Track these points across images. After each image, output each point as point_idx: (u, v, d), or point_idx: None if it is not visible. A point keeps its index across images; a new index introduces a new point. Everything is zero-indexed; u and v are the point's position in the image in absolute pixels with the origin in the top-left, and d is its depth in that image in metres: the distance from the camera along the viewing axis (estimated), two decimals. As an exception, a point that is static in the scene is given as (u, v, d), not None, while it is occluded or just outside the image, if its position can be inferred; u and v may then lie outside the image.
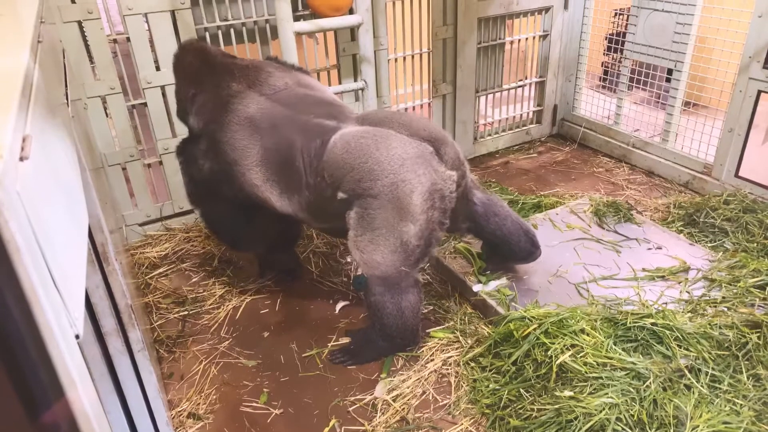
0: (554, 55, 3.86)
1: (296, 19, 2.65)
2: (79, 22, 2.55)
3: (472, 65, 3.55)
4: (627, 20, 3.63)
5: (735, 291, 2.21)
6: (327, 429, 1.91)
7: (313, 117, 2.06)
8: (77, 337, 0.78)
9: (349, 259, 2.77)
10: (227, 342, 2.32)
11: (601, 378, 1.77)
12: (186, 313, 2.47)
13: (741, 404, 1.73)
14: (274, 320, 2.43)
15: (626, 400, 1.70)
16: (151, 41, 2.73)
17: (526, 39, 3.78)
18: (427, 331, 2.26)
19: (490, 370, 1.99)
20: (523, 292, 2.33)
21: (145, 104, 2.82)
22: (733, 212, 2.71)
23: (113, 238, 1.61)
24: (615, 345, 1.88)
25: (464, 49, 3.47)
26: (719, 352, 1.88)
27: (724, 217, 2.69)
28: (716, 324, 1.98)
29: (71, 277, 0.86)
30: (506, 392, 1.86)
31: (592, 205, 2.91)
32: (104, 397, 1.47)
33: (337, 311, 2.46)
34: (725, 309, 2.12)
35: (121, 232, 2.81)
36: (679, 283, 2.33)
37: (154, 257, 2.83)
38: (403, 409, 1.94)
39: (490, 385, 1.93)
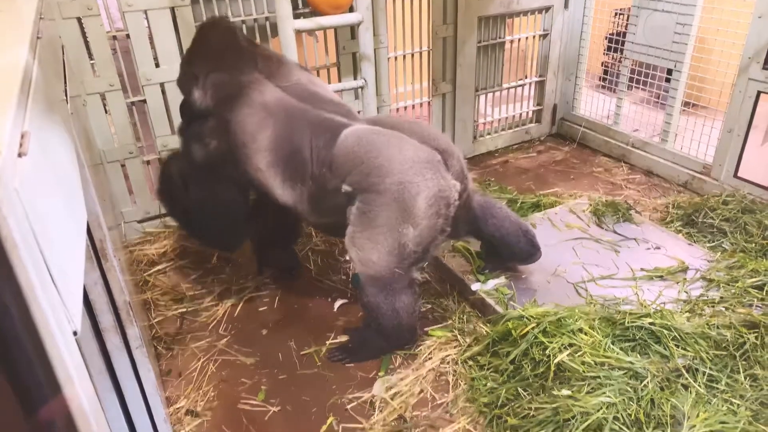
0: (554, 55, 3.86)
1: (296, 16, 2.65)
2: (79, 19, 2.55)
3: (472, 64, 3.55)
4: (627, 20, 3.63)
5: (733, 291, 2.21)
6: (325, 427, 1.91)
7: (325, 112, 2.08)
8: (75, 333, 0.78)
9: (347, 258, 2.78)
10: (225, 339, 2.32)
11: (598, 377, 1.77)
12: (184, 310, 2.47)
13: (738, 404, 1.73)
14: (272, 318, 2.43)
15: (623, 400, 1.70)
16: (151, 38, 2.73)
17: (527, 38, 3.78)
18: (426, 329, 2.26)
19: (488, 369, 1.99)
20: (521, 291, 2.33)
21: (144, 101, 2.82)
22: (731, 212, 2.71)
23: (112, 234, 1.61)
24: (613, 344, 1.88)
25: (464, 47, 3.46)
26: (717, 352, 1.88)
27: (723, 217, 2.70)
28: (714, 324, 1.98)
29: (69, 274, 0.86)
30: (504, 391, 1.86)
31: (591, 205, 2.91)
32: (102, 394, 1.47)
33: (335, 309, 2.46)
34: (723, 309, 2.13)
35: (120, 229, 2.80)
36: (678, 283, 2.33)
37: (153, 254, 2.83)
38: (401, 407, 1.94)
39: (488, 384, 1.94)
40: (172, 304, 2.51)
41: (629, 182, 3.40)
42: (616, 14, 4.20)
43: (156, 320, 2.41)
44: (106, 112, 2.76)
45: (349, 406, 1.98)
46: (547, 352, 1.85)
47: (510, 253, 2.36)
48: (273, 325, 2.39)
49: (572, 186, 3.38)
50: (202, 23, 2.30)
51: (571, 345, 1.86)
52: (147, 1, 2.62)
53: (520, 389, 1.85)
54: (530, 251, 2.35)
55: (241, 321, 2.42)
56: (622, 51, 3.57)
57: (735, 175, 3.00)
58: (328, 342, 2.27)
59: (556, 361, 1.81)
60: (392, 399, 1.98)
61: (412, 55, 3.48)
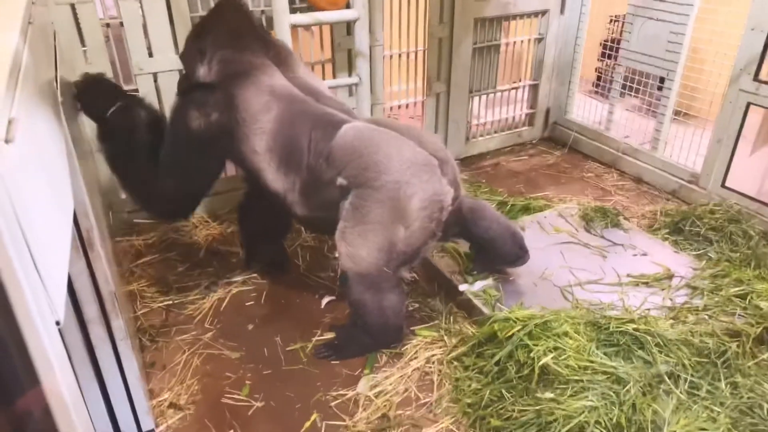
0: (549, 59, 3.87)
1: (293, 11, 2.64)
2: (72, 5, 2.52)
3: (466, 65, 3.55)
4: (622, 27, 3.65)
5: (717, 300, 2.23)
6: (308, 423, 1.91)
7: (327, 107, 2.09)
8: (58, 323, 0.77)
9: (336, 254, 2.77)
10: (211, 333, 2.30)
11: (582, 381, 1.78)
12: (170, 302, 2.46)
13: (718, 411, 1.76)
14: (259, 313, 2.42)
15: (606, 404, 1.72)
16: (145, 27, 2.70)
17: (522, 41, 3.79)
18: (412, 328, 2.26)
19: (472, 370, 2.00)
20: (508, 293, 2.34)
21: (136, 90, 2.79)
22: (718, 222, 2.74)
23: (99, 224, 1.59)
24: (597, 349, 1.90)
25: (460, 48, 3.47)
26: (699, 359, 1.90)
27: (710, 226, 2.72)
28: (697, 331, 2.01)
29: (53, 262, 0.85)
30: (488, 392, 1.87)
31: (580, 210, 2.93)
32: (84, 384, 1.46)
33: (322, 306, 2.46)
34: (706, 317, 2.15)
35: (108, 219, 2.78)
36: (663, 290, 2.35)
37: (140, 245, 2.81)
38: (385, 405, 1.95)
39: (472, 385, 1.94)
40: (158, 296, 2.49)
41: (619, 188, 3.42)
42: (611, 21, 4.22)
43: (141, 312, 2.40)
44: (97, 100, 2.73)
45: (333, 404, 1.98)
46: (531, 354, 1.86)
47: (498, 255, 2.37)
48: (259, 320, 2.39)
49: (562, 190, 3.40)
50: (219, 1, 2.26)
51: (555, 348, 1.87)
52: (142, -11, 2.59)
53: (504, 391, 1.85)
54: (518, 254, 2.36)
55: (228, 315, 2.41)
56: (616, 58, 3.59)
57: (723, 185, 3.03)
58: (314, 338, 2.27)
59: (540, 363, 1.82)
60: (376, 397, 1.98)
61: (408, 54, 3.48)
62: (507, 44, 3.75)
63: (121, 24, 2.65)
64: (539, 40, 3.82)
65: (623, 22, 3.57)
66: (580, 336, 1.92)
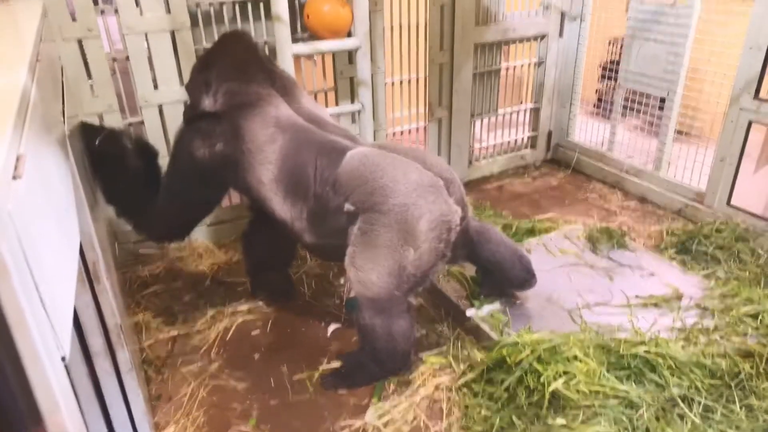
0: (549, 82, 3.91)
1: (295, 41, 2.68)
2: (79, 40, 2.57)
3: (467, 90, 3.59)
4: (621, 49, 3.69)
5: (727, 320, 2.21)
6: (316, 454, 1.88)
7: (331, 135, 2.11)
8: (63, 359, 0.77)
9: (342, 281, 2.76)
10: (217, 363, 2.29)
11: (593, 406, 1.75)
12: (176, 333, 2.44)
13: (734, 435, 1.72)
14: (264, 342, 2.41)
15: (619, 429, 1.68)
16: (151, 60, 2.75)
17: (522, 65, 3.83)
18: (420, 355, 2.24)
19: (482, 396, 1.97)
20: (516, 317, 2.32)
21: (142, 123, 2.83)
22: (725, 240, 2.72)
23: (105, 255, 1.60)
24: (608, 373, 1.87)
25: (460, 74, 3.51)
26: (712, 382, 1.87)
27: (717, 245, 2.71)
28: (709, 353, 1.97)
29: (60, 298, 0.85)
30: (498, 419, 1.84)
31: (585, 231, 2.92)
32: (89, 419, 1.44)
33: (329, 334, 2.44)
34: (718, 338, 2.12)
35: (113, 250, 2.79)
36: (672, 311, 2.32)
37: (146, 276, 2.81)
38: (394, 435, 1.91)
39: (482, 412, 1.91)
40: (163, 327, 2.48)
41: (623, 209, 3.42)
42: (610, 43, 4.27)
43: (147, 343, 2.38)
44: (103, 132, 2.76)
45: (341, 434, 1.95)
46: (541, 379, 1.83)
47: (505, 278, 2.36)
48: (265, 349, 2.37)
49: (567, 212, 3.39)
50: (224, 33, 2.32)
51: (565, 373, 1.85)
52: (147, 23, 2.65)
53: (514, 417, 1.82)
54: (525, 277, 2.35)
55: (234, 345, 2.39)
56: (616, 79, 3.62)
57: (728, 203, 3.02)
58: (321, 367, 2.24)
59: (550, 389, 1.80)
60: (385, 426, 1.95)
61: (409, 80, 3.52)
62: (507, 68, 3.79)
63: (127, 58, 2.69)
64: (539, 64, 3.86)
65: (622, 44, 3.61)
66: (590, 360, 1.90)
